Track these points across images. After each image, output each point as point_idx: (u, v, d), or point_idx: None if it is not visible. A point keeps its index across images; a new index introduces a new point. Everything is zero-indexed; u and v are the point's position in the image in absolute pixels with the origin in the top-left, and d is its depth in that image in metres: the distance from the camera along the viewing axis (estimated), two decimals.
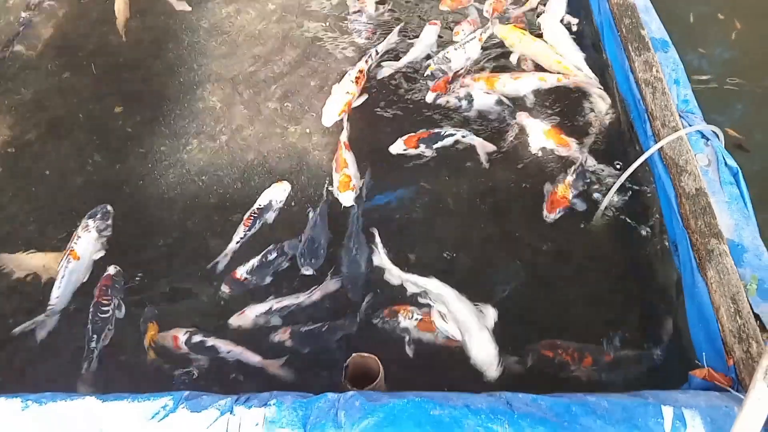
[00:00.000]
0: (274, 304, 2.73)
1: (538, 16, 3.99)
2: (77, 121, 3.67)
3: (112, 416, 1.85)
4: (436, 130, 3.36)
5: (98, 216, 3.07)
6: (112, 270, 2.89)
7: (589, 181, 3.06)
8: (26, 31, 4.20)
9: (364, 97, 3.61)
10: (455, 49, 3.76)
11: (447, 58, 3.71)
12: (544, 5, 4.07)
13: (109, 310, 2.76)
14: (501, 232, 3.02)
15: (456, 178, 3.23)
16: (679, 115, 2.87)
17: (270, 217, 3.08)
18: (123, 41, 4.12)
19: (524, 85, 3.58)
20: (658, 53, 3.16)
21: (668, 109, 2.86)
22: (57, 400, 1.87)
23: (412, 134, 3.34)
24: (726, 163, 2.70)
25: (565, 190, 2.98)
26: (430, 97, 3.56)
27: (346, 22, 4.15)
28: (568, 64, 3.60)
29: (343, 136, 3.38)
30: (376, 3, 4.21)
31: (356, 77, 3.61)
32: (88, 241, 2.97)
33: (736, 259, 2.32)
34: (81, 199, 3.22)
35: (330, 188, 3.16)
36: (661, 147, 2.71)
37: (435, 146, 3.30)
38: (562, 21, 3.98)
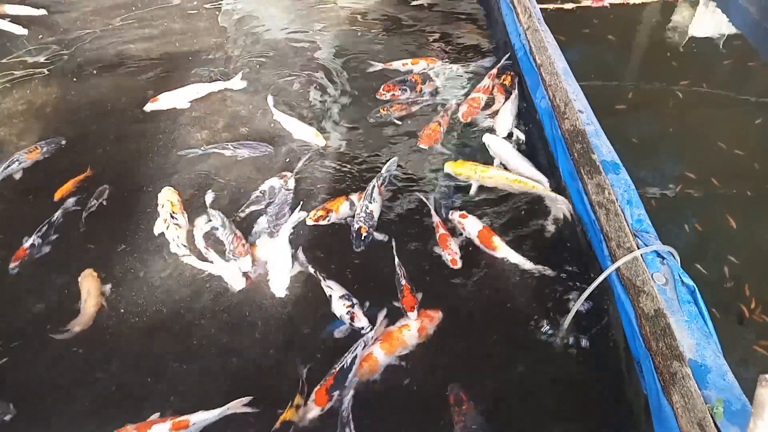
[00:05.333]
0: None
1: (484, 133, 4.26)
2: None
3: None
4: None
5: None
6: None
7: None
8: None
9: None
10: (370, 203, 3.68)
11: (369, 214, 3.64)
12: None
13: None
14: (468, 351, 2.99)
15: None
16: (634, 235, 2.95)
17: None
18: None
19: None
20: (609, 175, 3.30)
21: (622, 231, 2.94)
22: None
23: None
24: (683, 282, 2.75)
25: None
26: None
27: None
28: (527, 180, 3.77)
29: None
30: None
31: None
32: None
33: (700, 381, 2.31)
34: None
35: None
36: (618, 267, 2.76)
37: None
38: (510, 136, 4.27)
